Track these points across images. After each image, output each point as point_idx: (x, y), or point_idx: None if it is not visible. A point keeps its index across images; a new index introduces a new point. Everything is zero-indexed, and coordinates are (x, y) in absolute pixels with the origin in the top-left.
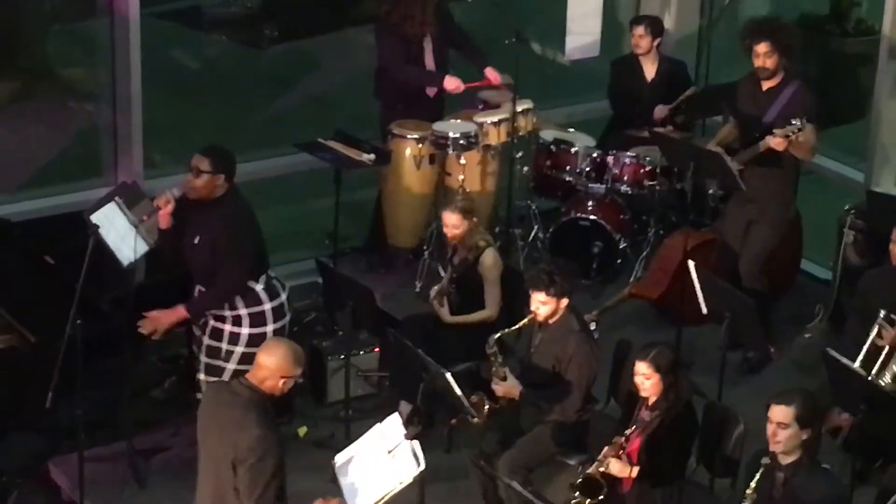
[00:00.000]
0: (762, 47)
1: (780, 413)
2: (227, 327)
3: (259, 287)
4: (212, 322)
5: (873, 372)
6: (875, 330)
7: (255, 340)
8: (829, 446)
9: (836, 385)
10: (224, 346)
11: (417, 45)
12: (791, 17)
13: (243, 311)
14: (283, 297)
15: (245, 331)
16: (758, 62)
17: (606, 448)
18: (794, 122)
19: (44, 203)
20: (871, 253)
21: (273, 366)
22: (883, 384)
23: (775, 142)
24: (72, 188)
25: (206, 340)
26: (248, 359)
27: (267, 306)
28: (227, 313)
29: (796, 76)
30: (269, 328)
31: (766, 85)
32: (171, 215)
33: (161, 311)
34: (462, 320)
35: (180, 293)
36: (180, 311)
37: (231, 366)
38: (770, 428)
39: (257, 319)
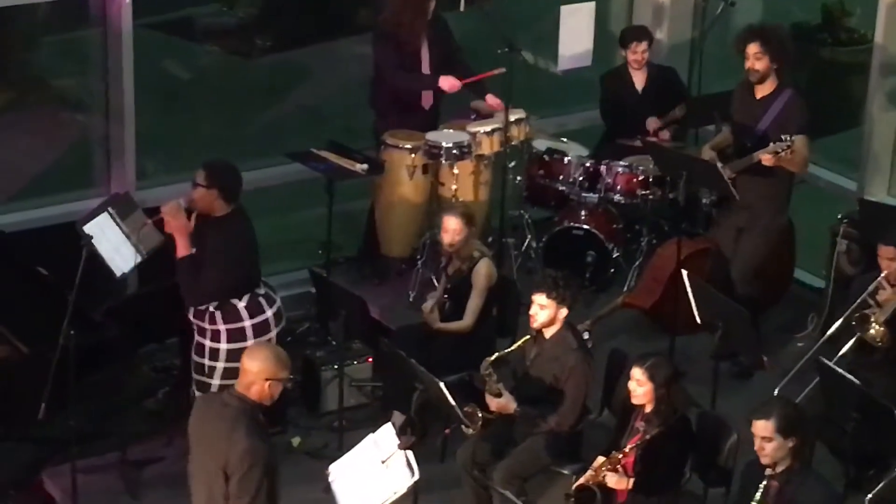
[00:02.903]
0: (752, 48)
1: (761, 427)
2: (207, 343)
3: (241, 304)
4: (196, 337)
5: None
6: (873, 286)
7: (235, 356)
8: (824, 455)
9: (828, 393)
10: (206, 362)
11: (414, 54)
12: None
13: (222, 327)
14: (269, 313)
15: (224, 346)
16: (748, 63)
17: (603, 460)
18: (784, 139)
19: (36, 214)
20: (864, 261)
21: (256, 369)
22: (873, 332)
23: (765, 158)
24: (65, 199)
25: (193, 356)
26: (231, 374)
27: (247, 323)
28: (207, 327)
29: (789, 85)
30: (249, 344)
31: (759, 93)
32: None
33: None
34: (444, 328)
35: (173, 303)
36: (183, 248)
37: (216, 381)
38: (756, 442)
39: (236, 335)
